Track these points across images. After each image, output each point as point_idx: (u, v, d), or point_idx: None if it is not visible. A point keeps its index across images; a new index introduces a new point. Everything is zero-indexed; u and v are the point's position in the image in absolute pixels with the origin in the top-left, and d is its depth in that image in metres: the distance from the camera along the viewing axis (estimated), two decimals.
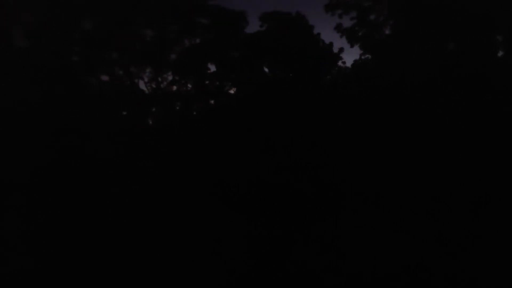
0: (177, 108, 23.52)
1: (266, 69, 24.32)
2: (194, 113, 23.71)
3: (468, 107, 20.96)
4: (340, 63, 24.22)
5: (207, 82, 23.73)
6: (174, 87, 23.54)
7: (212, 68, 23.69)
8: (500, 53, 22.65)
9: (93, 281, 10.24)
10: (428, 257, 10.93)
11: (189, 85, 23.64)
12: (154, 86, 23.31)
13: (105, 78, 22.78)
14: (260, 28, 24.12)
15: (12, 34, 21.73)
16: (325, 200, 16.93)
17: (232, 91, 23.95)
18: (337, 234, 12.95)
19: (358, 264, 10.55)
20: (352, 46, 24.01)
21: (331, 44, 24.04)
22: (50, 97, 21.22)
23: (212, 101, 23.75)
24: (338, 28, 24.04)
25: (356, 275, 9.97)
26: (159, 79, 23.39)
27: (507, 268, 10.03)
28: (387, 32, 23.75)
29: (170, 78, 23.51)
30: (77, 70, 22.37)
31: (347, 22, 23.92)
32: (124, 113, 22.83)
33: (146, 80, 23.24)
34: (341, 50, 24.11)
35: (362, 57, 24.12)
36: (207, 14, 23.39)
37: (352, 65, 24.28)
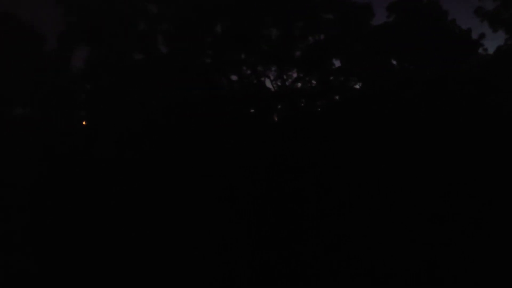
0: (302, 104, 23.70)
1: (394, 62, 23.24)
2: (319, 109, 23.64)
3: None
4: (480, 50, 22.01)
5: (331, 78, 23.50)
6: (299, 84, 23.78)
7: (337, 63, 23.42)
8: None
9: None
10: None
11: (314, 82, 23.66)
12: (279, 83, 23.83)
13: (234, 77, 23.99)
14: (387, 19, 23.16)
15: (156, 41, 24.26)
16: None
17: (357, 86, 23.39)
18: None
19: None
20: (495, 31, 21.60)
21: (469, 30, 22.03)
22: (187, 97, 23.09)
23: (337, 97, 23.44)
24: (478, 12, 21.83)
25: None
26: (284, 76, 23.84)
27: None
28: None
29: (294, 75, 23.80)
30: (210, 71, 23.95)
31: (489, 5, 21.54)
32: (252, 110, 23.74)
33: (272, 78, 23.86)
34: (482, 36, 21.93)
35: (508, 43, 21.56)
36: (332, 9, 23.15)
37: (495, 51, 21.87)
